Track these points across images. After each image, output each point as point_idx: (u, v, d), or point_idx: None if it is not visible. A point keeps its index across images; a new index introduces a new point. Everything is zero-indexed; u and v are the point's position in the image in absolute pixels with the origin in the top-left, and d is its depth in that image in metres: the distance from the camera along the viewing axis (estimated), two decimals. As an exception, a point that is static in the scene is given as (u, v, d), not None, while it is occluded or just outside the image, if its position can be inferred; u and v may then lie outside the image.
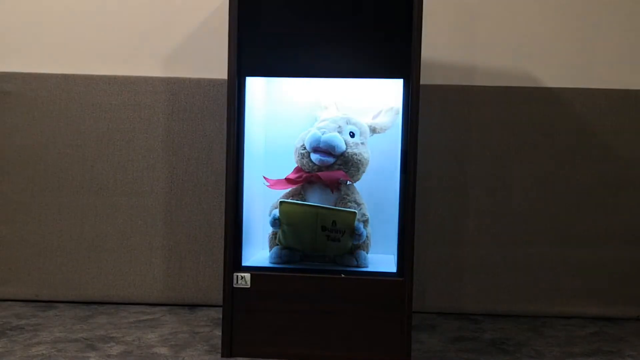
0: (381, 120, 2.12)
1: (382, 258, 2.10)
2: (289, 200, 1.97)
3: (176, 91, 2.43)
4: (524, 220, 2.42)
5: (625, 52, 2.42)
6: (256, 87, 2.08)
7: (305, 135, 2.02)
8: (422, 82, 1.89)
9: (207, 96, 2.42)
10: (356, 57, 1.88)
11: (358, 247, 2.00)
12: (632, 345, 2.12)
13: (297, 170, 2.05)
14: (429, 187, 2.41)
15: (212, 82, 2.42)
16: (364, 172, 2.06)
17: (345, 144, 1.99)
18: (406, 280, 1.86)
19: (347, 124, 2.04)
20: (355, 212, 1.93)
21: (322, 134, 1.97)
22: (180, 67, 2.44)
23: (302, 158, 2.02)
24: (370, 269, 1.97)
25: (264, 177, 2.05)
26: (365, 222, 2.01)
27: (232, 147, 1.90)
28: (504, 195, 2.42)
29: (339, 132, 2.00)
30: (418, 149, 1.87)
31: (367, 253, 2.02)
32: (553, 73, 2.42)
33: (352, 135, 2.03)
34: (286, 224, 1.95)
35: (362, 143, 2.05)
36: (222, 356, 1.91)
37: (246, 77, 1.92)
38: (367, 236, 2.02)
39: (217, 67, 2.35)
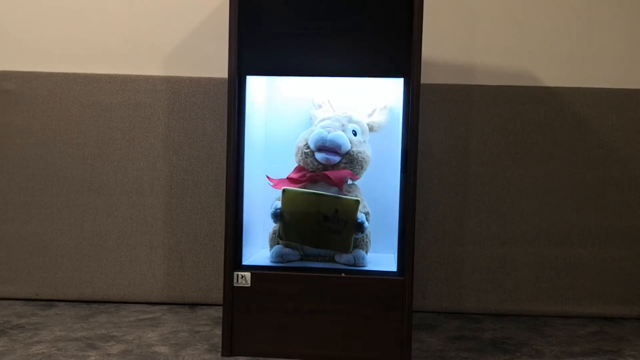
0: (377, 119, 2.14)
1: (382, 257, 2.10)
2: (292, 188, 1.97)
3: (176, 90, 2.43)
4: (524, 220, 2.42)
5: (625, 52, 2.42)
6: (256, 86, 2.09)
7: (309, 134, 2.03)
8: (422, 81, 1.89)
9: (207, 95, 2.42)
10: (357, 56, 1.88)
11: (357, 246, 2.00)
12: (632, 344, 2.12)
13: (299, 169, 2.06)
14: (429, 187, 2.42)
15: (213, 81, 2.42)
16: (366, 170, 2.07)
17: (350, 142, 2.00)
18: (406, 280, 1.86)
19: (349, 122, 2.05)
20: (358, 200, 1.93)
21: (328, 133, 1.98)
22: (180, 66, 2.44)
23: (306, 157, 2.02)
24: (370, 268, 1.97)
25: (267, 177, 2.05)
26: (367, 214, 2.01)
27: (232, 146, 1.90)
28: (504, 195, 2.42)
29: (343, 130, 2.01)
30: (418, 149, 1.87)
31: (366, 253, 2.02)
32: (553, 73, 2.42)
33: (354, 133, 2.05)
34: (288, 213, 1.95)
35: (364, 141, 2.07)
36: (222, 355, 1.91)
37: (246, 76, 1.92)
38: (368, 232, 2.02)
39: (218, 66, 2.36)
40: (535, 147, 2.41)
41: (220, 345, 1.94)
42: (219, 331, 2.10)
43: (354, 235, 1.96)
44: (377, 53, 1.87)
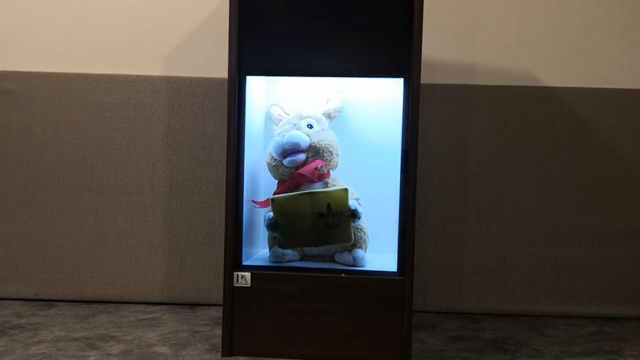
0: (332, 105, 2.16)
1: (382, 257, 2.10)
2: (279, 195, 1.98)
3: (176, 90, 2.43)
4: (524, 220, 2.42)
5: (625, 52, 2.42)
6: (256, 86, 2.09)
7: (271, 148, 2.06)
8: (422, 81, 1.89)
9: (207, 95, 2.43)
10: (356, 56, 1.88)
11: (355, 245, 2.00)
12: (632, 344, 2.12)
13: (280, 183, 2.07)
14: (429, 187, 2.42)
15: (213, 81, 2.42)
16: (338, 155, 2.08)
17: (307, 136, 2.02)
18: (406, 280, 1.86)
19: (300, 119, 2.08)
20: (346, 189, 1.94)
21: (283, 137, 2.01)
22: (180, 66, 2.44)
23: (277, 169, 2.05)
24: (370, 268, 1.97)
25: (252, 201, 2.05)
26: (358, 199, 2.03)
27: (232, 146, 1.90)
28: (504, 195, 2.42)
29: (297, 129, 2.04)
30: (418, 149, 1.87)
31: (365, 251, 2.02)
32: (553, 73, 2.42)
33: (310, 126, 2.07)
34: (283, 221, 1.95)
35: (323, 130, 2.08)
36: (222, 355, 1.91)
37: (246, 76, 1.92)
38: (366, 228, 2.02)
39: (218, 66, 2.35)
40: (535, 147, 2.41)
41: (220, 345, 1.94)
42: (219, 331, 2.11)
43: (352, 223, 1.96)
44: (377, 53, 1.87)
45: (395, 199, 1.93)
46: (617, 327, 2.31)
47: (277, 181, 2.09)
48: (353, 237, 1.98)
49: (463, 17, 2.42)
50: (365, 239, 2.03)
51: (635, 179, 2.42)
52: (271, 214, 1.97)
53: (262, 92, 2.18)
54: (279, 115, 2.16)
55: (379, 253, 2.13)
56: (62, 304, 2.42)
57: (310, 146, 2.02)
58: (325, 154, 2.04)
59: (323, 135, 2.06)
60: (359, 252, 1.99)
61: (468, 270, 2.43)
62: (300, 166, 2.02)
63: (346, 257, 1.99)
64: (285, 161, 2.02)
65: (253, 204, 2.05)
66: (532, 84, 2.41)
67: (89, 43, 2.45)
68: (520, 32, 2.42)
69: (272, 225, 1.97)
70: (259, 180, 2.15)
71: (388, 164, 2.12)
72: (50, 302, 2.44)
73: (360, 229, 2.01)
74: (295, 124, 2.06)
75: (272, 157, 2.05)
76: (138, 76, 2.44)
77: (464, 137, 2.41)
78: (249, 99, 1.97)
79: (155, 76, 2.44)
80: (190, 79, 2.43)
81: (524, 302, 2.43)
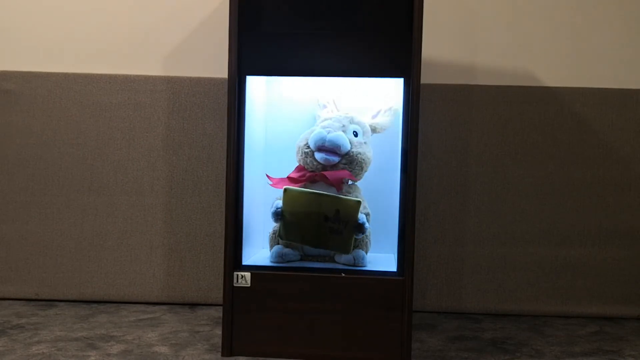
0: (381, 120, 2.14)
1: (382, 257, 2.10)
2: (294, 187, 1.97)
3: (176, 90, 2.43)
4: (524, 220, 2.42)
5: (624, 52, 2.42)
6: (256, 86, 2.09)
7: (309, 134, 2.02)
8: (422, 81, 1.89)
9: (207, 95, 2.43)
10: (356, 56, 1.88)
11: (357, 247, 2.00)
12: (632, 344, 2.12)
13: (300, 169, 2.06)
14: (429, 187, 2.42)
15: (213, 81, 2.42)
16: (366, 171, 2.07)
17: (350, 143, 2.00)
18: (406, 280, 1.86)
19: (350, 123, 2.05)
20: (359, 201, 1.93)
21: (328, 133, 1.98)
22: (180, 66, 2.44)
23: (306, 157, 2.02)
24: (370, 268, 1.97)
25: (267, 176, 2.05)
26: (367, 215, 2.01)
27: (232, 146, 1.90)
28: (504, 195, 2.42)
29: (343, 131, 2.01)
30: (418, 149, 1.87)
31: (366, 253, 2.02)
32: (553, 73, 2.42)
33: (355, 134, 2.04)
34: (289, 213, 1.95)
35: (365, 142, 2.06)
36: (222, 355, 1.91)
37: (246, 76, 1.92)
38: (368, 233, 2.02)
39: (218, 66, 2.36)
40: (535, 147, 2.41)
41: (220, 345, 1.94)
42: (219, 331, 2.11)
43: (355, 236, 1.96)
44: (377, 53, 1.87)
45: (396, 199, 1.93)
46: (617, 327, 2.31)
47: (296, 165, 2.07)
48: (352, 249, 1.97)
49: (463, 17, 2.42)
50: (367, 242, 2.03)
51: (635, 179, 2.42)
52: (280, 202, 1.96)
53: (262, 92, 2.18)
54: (326, 103, 2.14)
55: (379, 253, 2.13)
56: (62, 304, 2.43)
57: (347, 154, 2.00)
58: (356, 167, 2.02)
59: (363, 149, 2.03)
60: (360, 252, 1.98)
61: (468, 270, 2.43)
62: (328, 167, 2.01)
63: (347, 257, 1.99)
64: (318, 155, 1.99)
65: (267, 178, 2.04)
66: (532, 84, 2.41)
67: (89, 43, 2.45)
68: (520, 32, 2.42)
69: (278, 214, 1.97)
70: (260, 180, 2.15)
71: (388, 164, 2.13)
72: (50, 302, 2.44)
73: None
74: (344, 125, 2.03)
75: (307, 144, 2.02)
76: (138, 76, 2.44)
77: (464, 137, 2.41)
78: (249, 99, 1.97)
79: (155, 76, 2.44)
80: (190, 79, 2.43)
81: (524, 302, 2.43)
